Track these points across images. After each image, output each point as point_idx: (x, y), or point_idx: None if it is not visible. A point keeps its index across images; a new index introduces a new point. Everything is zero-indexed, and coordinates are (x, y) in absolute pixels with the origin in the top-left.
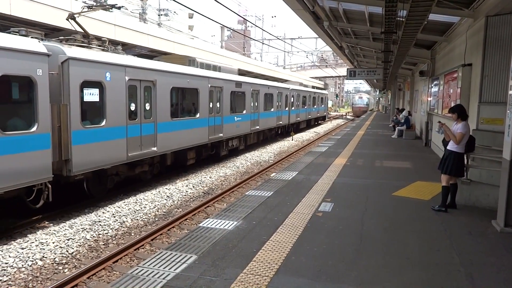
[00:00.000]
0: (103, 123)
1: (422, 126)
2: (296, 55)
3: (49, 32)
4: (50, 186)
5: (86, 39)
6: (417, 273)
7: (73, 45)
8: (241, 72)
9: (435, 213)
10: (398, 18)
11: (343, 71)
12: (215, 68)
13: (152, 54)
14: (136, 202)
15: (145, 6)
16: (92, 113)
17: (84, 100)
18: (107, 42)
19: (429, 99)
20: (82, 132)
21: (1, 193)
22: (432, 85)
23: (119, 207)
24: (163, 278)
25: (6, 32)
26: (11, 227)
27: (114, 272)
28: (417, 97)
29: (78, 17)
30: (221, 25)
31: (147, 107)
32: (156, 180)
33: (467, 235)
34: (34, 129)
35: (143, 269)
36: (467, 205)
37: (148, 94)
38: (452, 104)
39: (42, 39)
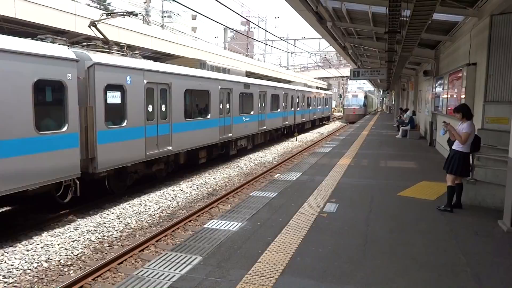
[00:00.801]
0: (124, 123)
1: (427, 126)
2: (299, 56)
3: (53, 34)
4: (78, 182)
5: (106, 44)
6: (423, 274)
7: (97, 51)
8: (248, 74)
9: (440, 213)
10: (402, 18)
11: (346, 71)
12: (225, 70)
13: (155, 56)
14: (140, 204)
15: (149, 8)
16: (114, 114)
17: (108, 102)
18: (125, 47)
19: (433, 98)
20: (106, 132)
21: (37, 187)
22: (436, 85)
23: (123, 209)
24: (168, 280)
25: (34, 39)
26: (43, 221)
27: (119, 273)
28: (421, 97)
29: (98, 24)
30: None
31: (163, 108)
32: (160, 182)
33: (473, 235)
34: (64, 129)
35: (148, 271)
36: (472, 205)
37: (164, 96)
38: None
39: (68, 46)
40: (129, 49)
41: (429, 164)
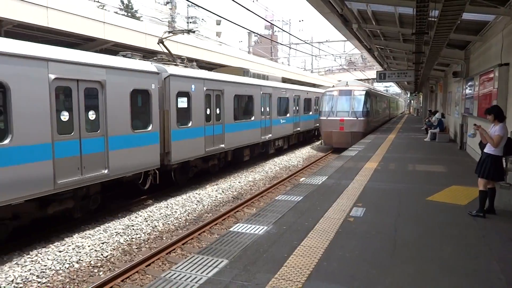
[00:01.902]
0: (190, 124)
1: (457, 129)
2: (324, 59)
3: (82, 42)
4: (157, 172)
5: (171, 57)
6: (454, 280)
7: (167, 63)
8: (283, 80)
9: (472, 219)
10: (430, 18)
11: (372, 73)
12: (264, 77)
13: (205, 65)
14: (167, 207)
15: (174, 14)
16: (182, 116)
17: (178, 106)
18: (185, 60)
19: (463, 100)
20: (177, 131)
21: (129, 175)
22: (467, 86)
23: (151, 212)
24: (196, 282)
25: (117, 56)
26: (126, 204)
27: (147, 275)
28: (450, 98)
29: (165, 40)
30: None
31: (217, 111)
32: (186, 185)
33: (507, 242)
34: (150, 128)
35: (175, 273)
36: (506, 210)
37: (218, 101)
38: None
39: (150, 61)
40: (188, 61)
41: (459, 168)
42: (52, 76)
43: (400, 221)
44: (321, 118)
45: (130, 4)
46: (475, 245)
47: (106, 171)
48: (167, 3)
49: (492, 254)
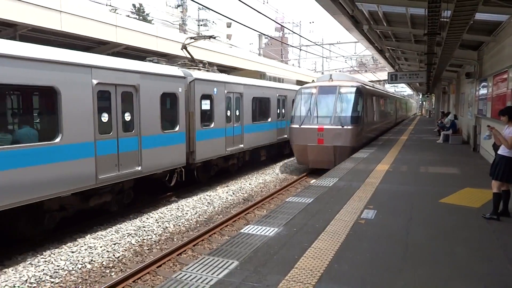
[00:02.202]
0: (212, 125)
1: (470, 130)
2: (334, 60)
3: (95, 45)
4: (183, 169)
5: (193, 62)
6: (468, 284)
7: (190, 68)
8: (297, 82)
9: (486, 222)
10: (442, 19)
11: (383, 75)
12: (280, 80)
13: (223, 69)
14: (178, 208)
15: (185, 17)
16: (206, 117)
17: (202, 108)
18: (207, 64)
19: (476, 101)
20: (201, 131)
21: (160, 172)
22: (480, 87)
23: (161, 213)
24: (206, 283)
25: (144, 61)
26: (158, 198)
27: (158, 276)
28: (463, 100)
29: (188, 46)
30: (259, 33)
31: (237, 113)
32: (197, 187)
33: None
34: (177, 129)
35: (186, 274)
36: None
37: (238, 103)
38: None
39: (175, 65)
40: (209, 65)
41: (472, 170)
42: (95, 81)
43: (412, 223)
44: (292, 126)
45: (141, 8)
46: (488, 248)
47: (139, 168)
48: (178, 6)
49: (507, 257)
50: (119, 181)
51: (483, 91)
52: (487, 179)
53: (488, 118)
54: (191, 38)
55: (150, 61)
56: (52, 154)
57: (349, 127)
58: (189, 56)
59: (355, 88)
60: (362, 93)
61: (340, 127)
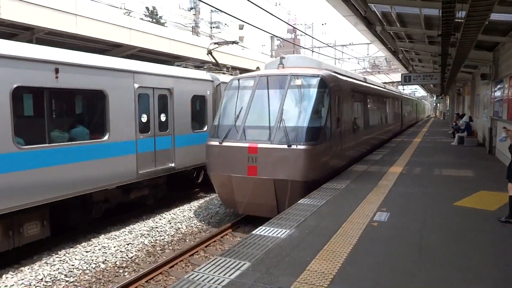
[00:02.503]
0: None
1: (485, 133)
2: (347, 62)
3: (110, 48)
4: None
5: (217, 66)
6: None
7: (216, 72)
8: None
9: (502, 225)
10: (457, 19)
11: (397, 76)
12: None
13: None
14: (190, 210)
15: (198, 19)
16: None
17: None
18: (230, 68)
19: (492, 103)
20: None
21: (190, 169)
22: (496, 89)
23: (174, 214)
24: (218, 284)
25: (171, 65)
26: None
27: (171, 276)
28: (478, 101)
29: (213, 51)
30: (271, 35)
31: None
32: (211, 189)
33: None
34: (205, 129)
35: (198, 274)
36: None
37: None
38: None
39: (202, 69)
40: (235, 69)
41: (488, 172)
42: (136, 85)
43: (426, 226)
44: (210, 143)
45: (155, 11)
46: (504, 253)
47: (172, 165)
48: (191, 8)
49: None
50: (155, 176)
51: (498, 92)
52: (503, 182)
53: (504, 120)
54: (215, 43)
55: (178, 65)
56: (101, 151)
57: (303, 146)
58: (213, 60)
59: (318, 78)
60: (329, 87)
61: (286, 146)
